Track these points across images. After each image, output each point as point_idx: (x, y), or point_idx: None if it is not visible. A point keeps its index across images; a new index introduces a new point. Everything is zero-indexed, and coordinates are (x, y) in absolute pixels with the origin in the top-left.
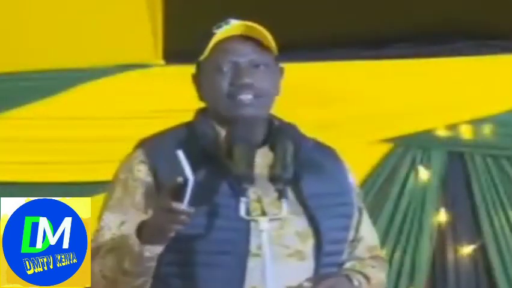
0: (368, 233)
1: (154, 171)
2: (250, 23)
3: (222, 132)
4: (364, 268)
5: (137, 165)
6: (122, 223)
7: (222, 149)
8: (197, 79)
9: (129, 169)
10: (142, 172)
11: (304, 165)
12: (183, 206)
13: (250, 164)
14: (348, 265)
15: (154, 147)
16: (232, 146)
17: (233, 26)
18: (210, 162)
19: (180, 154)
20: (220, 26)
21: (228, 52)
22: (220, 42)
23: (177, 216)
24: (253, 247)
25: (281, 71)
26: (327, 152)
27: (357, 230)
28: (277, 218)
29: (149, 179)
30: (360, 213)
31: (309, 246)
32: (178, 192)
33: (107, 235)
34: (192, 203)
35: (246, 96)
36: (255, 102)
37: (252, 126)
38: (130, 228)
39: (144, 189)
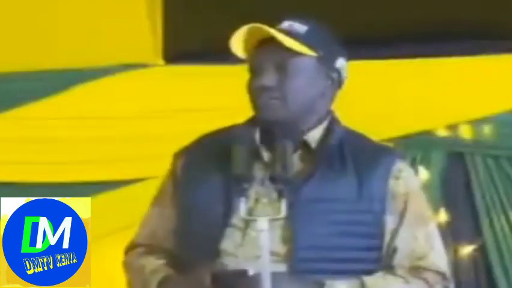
0: (410, 242)
1: (184, 167)
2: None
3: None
4: (384, 278)
5: (175, 158)
6: (155, 231)
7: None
8: None
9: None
10: (176, 166)
11: (320, 166)
12: None
13: (251, 164)
14: (376, 274)
15: (195, 143)
16: (234, 147)
17: (257, 27)
18: (219, 161)
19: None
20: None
21: (256, 54)
22: (258, 43)
23: None
24: (253, 247)
25: (330, 72)
26: (372, 151)
27: (392, 238)
28: (276, 219)
29: (178, 173)
30: (400, 221)
31: (287, 249)
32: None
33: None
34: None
35: (265, 99)
36: (279, 105)
37: (271, 128)
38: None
39: (173, 184)
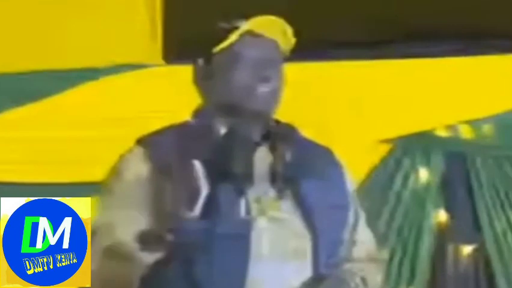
0: (365, 235)
1: (153, 169)
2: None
3: (222, 129)
4: (362, 270)
5: (137, 163)
6: (115, 226)
7: (220, 147)
8: (204, 72)
9: (127, 167)
10: (141, 170)
11: (301, 166)
12: (195, 213)
13: (250, 163)
14: (346, 267)
15: (154, 145)
16: (232, 144)
17: (256, 22)
18: (208, 161)
19: (197, 164)
20: (231, 21)
21: (248, 45)
22: (241, 36)
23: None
24: (253, 247)
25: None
26: (324, 153)
27: (354, 232)
28: (277, 218)
29: (148, 177)
30: (357, 216)
31: (307, 246)
32: (190, 200)
33: (103, 238)
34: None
35: (264, 90)
36: (270, 97)
37: (261, 121)
38: (124, 233)
39: (142, 187)
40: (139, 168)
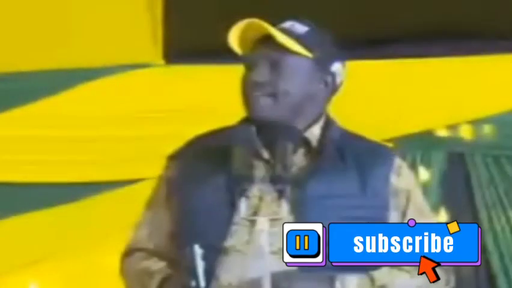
0: None
1: (180, 169)
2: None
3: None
4: (390, 272)
5: (169, 161)
6: (151, 234)
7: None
8: None
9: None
10: (170, 169)
11: (323, 163)
12: None
13: (251, 164)
14: (382, 269)
15: (188, 145)
16: (233, 146)
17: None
18: (217, 161)
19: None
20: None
21: (253, 50)
22: (256, 40)
23: None
24: (231, 243)
25: (325, 75)
26: (371, 149)
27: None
28: (277, 218)
29: (173, 175)
30: (403, 217)
31: None
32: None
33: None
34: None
35: (256, 95)
36: (269, 102)
37: (267, 126)
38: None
39: (169, 187)
40: (167, 168)
